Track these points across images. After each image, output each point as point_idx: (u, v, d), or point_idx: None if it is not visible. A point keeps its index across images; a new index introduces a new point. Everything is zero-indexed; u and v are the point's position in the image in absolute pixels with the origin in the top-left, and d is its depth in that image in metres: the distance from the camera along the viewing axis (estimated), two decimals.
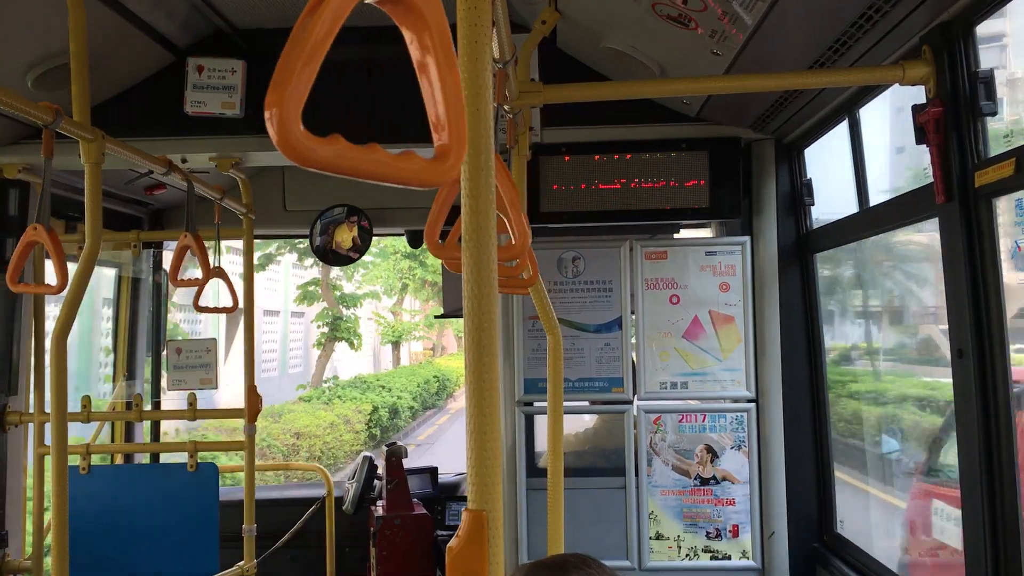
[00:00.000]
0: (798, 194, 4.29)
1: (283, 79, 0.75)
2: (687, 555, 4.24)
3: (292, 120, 0.73)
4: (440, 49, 0.91)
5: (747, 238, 4.30)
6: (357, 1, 0.80)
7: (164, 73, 4.24)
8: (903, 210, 3.17)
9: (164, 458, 5.55)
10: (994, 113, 2.52)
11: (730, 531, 4.22)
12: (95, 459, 4.61)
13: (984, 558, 2.61)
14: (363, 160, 0.81)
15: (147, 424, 5.62)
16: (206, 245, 4.04)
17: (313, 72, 0.76)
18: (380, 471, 5.74)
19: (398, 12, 0.89)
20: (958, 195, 2.60)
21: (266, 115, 0.73)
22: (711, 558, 4.23)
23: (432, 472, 6.21)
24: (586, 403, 4.52)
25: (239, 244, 4.75)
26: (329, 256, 5.66)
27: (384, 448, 5.66)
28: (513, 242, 2.19)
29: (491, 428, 1.29)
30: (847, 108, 3.57)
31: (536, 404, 4.34)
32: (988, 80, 2.52)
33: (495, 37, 2.08)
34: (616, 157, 4.27)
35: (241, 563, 4.47)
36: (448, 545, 1.28)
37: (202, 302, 4.30)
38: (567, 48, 4.25)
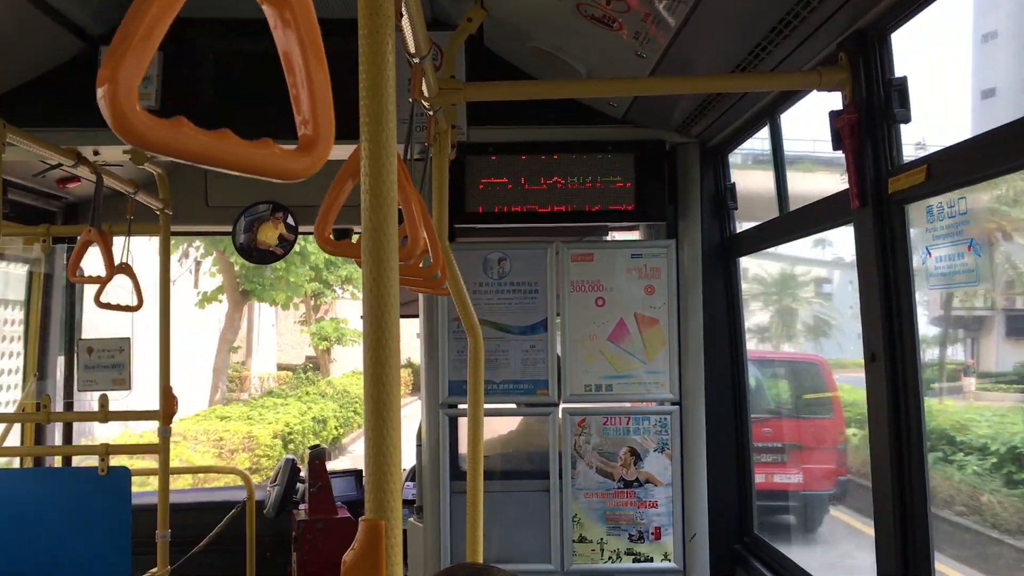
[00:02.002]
0: (722, 198, 4.32)
1: (118, 52, 0.69)
2: (610, 558, 4.24)
3: (126, 97, 0.67)
4: (303, 31, 0.86)
5: (672, 241, 4.31)
6: None
7: (76, 62, 4.08)
8: (820, 216, 3.21)
9: (77, 461, 5.37)
10: (907, 120, 2.56)
11: (652, 533, 4.23)
12: (1, 462, 4.43)
13: (895, 554, 2.64)
14: (211, 146, 0.75)
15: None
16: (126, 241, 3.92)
17: (153, 45, 0.70)
18: (303, 474, 5.63)
19: None
20: (872, 201, 2.63)
21: (98, 92, 0.67)
22: (633, 560, 4.23)
23: (357, 475, 6.12)
24: (511, 405, 4.49)
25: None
26: (254, 254, 5.53)
27: (307, 450, 5.55)
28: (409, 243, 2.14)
29: (390, 433, 1.24)
30: (768, 113, 3.61)
31: (460, 406, 4.29)
32: (902, 87, 2.56)
33: (408, 30, 2.03)
34: (543, 158, 4.25)
35: (154, 570, 4.33)
36: (343, 557, 1.23)
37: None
38: (495, 47, 4.23)
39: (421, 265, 2.28)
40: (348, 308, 29.90)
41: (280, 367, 29.49)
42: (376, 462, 1.22)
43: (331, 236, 1.90)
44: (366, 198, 1.25)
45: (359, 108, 1.24)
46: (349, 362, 29.00)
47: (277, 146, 0.84)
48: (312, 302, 27.42)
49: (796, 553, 4.14)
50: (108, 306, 4.17)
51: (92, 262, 4.23)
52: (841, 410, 9.43)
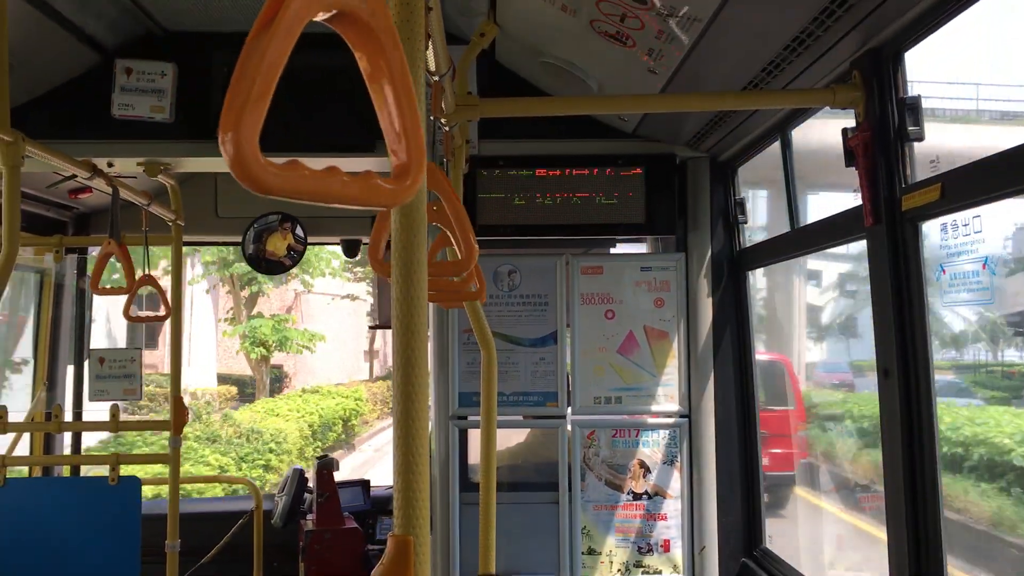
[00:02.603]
0: (732, 212, 4.34)
1: (239, 101, 0.71)
2: (619, 570, 4.25)
3: (249, 146, 0.69)
4: (396, 68, 0.89)
5: (682, 254, 4.33)
6: (311, 16, 0.77)
7: (91, 75, 4.11)
8: (833, 231, 3.23)
9: (86, 471, 5.38)
10: (921, 138, 2.58)
11: (661, 546, 4.24)
12: (11, 471, 4.44)
13: (907, 566, 2.65)
14: (323, 185, 0.77)
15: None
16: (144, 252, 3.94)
17: (269, 93, 0.72)
18: (311, 484, 5.64)
19: (350, 32, 0.86)
20: (886, 218, 2.65)
21: (220, 138, 0.69)
22: (642, 573, 4.24)
23: (364, 485, 6.11)
24: (520, 417, 4.50)
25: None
26: (262, 264, 5.56)
27: (315, 460, 5.56)
28: (460, 257, 2.17)
29: (419, 449, 1.25)
30: (780, 128, 3.63)
31: (470, 418, 4.31)
32: (915, 106, 2.58)
33: (430, 49, 2.06)
34: (554, 171, 4.28)
35: None
36: (372, 573, 1.25)
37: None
38: (506, 62, 4.25)
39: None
40: (318, 304, 25.43)
41: (226, 380, 23.69)
42: (405, 479, 1.23)
43: (384, 258, 1.93)
44: (396, 217, 1.27)
45: None
46: (317, 375, 23.66)
47: (378, 177, 0.86)
48: (244, 293, 22.61)
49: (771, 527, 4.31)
50: (139, 319, 4.18)
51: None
52: (802, 402, 10.73)
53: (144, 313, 4.24)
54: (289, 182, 0.75)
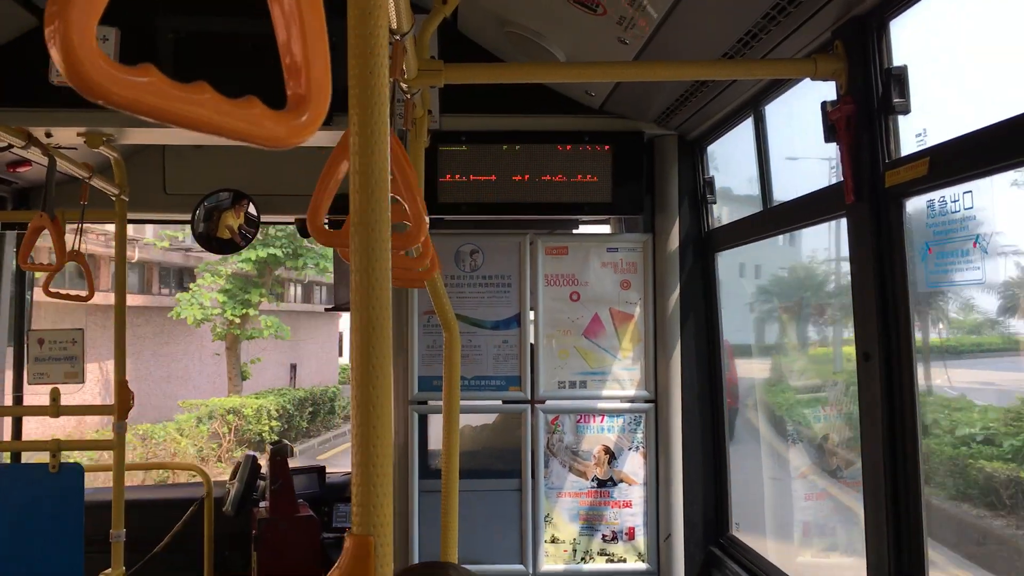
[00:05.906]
0: (700, 192, 4.23)
1: None
2: (582, 558, 4.14)
3: (84, 38, 0.54)
4: None
5: (649, 235, 4.21)
6: None
7: (27, 38, 3.87)
8: (810, 209, 3.12)
9: (27, 457, 5.15)
10: (907, 111, 2.47)
11: (626, 534, 4.13)
12: None
13: (887, 557, 2.56)
14: (184, 101, 0.61)
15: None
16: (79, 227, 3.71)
17: None
18: (264, 471, 5.46)
19: None
20: (868, 195, 2.54)
21: (47, 31, 0.53)
22: (607, 561, 4.13)
23: (320, 471, 5.95)
24: (483, 402, 4.36)
25: None
26: (213, 243, 5.35)
27: (268, 447, 5.38)
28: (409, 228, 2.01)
29: (380, 438, 1.11)
30: (752, 104, 3.51)
31: (431, 403, 4.16)
32: (901, 77, 2.47)
33: (391, 5, 1.89)
34: (518, 147, 4.12)
35: (108, 571, 4.14)
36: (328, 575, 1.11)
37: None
38: (469, 32, 4.09)
39: (403, 253, 2.15)
40: None
41: None
42: (363, 472, 1.10)
43: (325, 225, 1.77)
44: (355, 180, 1.11)
45: (348, 84, 1.10)
46: None
47: (263, 106, 0.70)
48: None
49: None
50: (58, 295, 3.95)
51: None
52: (735, 367, 11.79)
53: (64, 291, 3.98)
54: (135, 91, 0.59)
